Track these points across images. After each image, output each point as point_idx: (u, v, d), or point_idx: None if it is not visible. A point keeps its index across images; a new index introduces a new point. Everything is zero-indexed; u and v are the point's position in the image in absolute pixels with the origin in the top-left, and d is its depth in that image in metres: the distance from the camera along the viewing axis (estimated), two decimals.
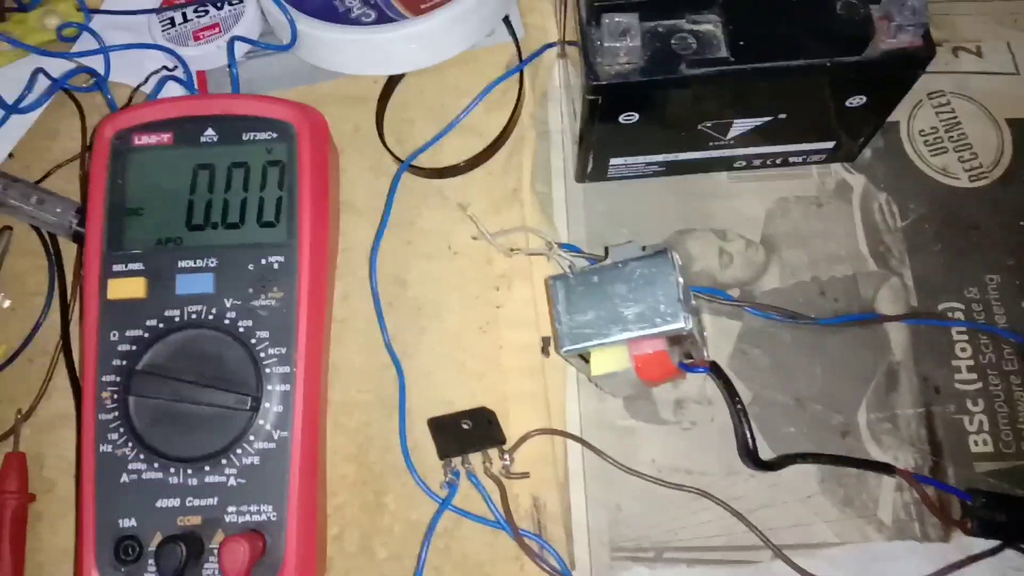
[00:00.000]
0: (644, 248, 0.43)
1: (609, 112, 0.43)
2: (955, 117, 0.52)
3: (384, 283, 0.48)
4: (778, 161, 0.50)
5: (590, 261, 0.46)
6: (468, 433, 0.44)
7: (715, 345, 0.48)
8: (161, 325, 0.41)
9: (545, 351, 0.47)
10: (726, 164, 0.50)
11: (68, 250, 0.50)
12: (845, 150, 0.50)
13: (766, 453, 0.46)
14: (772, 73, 0.41)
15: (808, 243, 0.50)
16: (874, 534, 0.44)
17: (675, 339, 0.41)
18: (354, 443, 0.45)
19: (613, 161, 0.48)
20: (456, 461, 0.44)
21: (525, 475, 0.44)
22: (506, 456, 0.44)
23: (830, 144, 0.49)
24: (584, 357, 0.42)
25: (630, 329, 0.40)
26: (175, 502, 0.40)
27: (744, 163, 0.50)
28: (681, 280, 0.40)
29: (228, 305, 0.42)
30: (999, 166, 0.51)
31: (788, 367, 0.47)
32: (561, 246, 0.47)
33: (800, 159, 0.50)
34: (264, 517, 0.40)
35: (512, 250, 0.48)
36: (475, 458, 0.44)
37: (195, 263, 0.42)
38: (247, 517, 0.40)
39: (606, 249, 0.44)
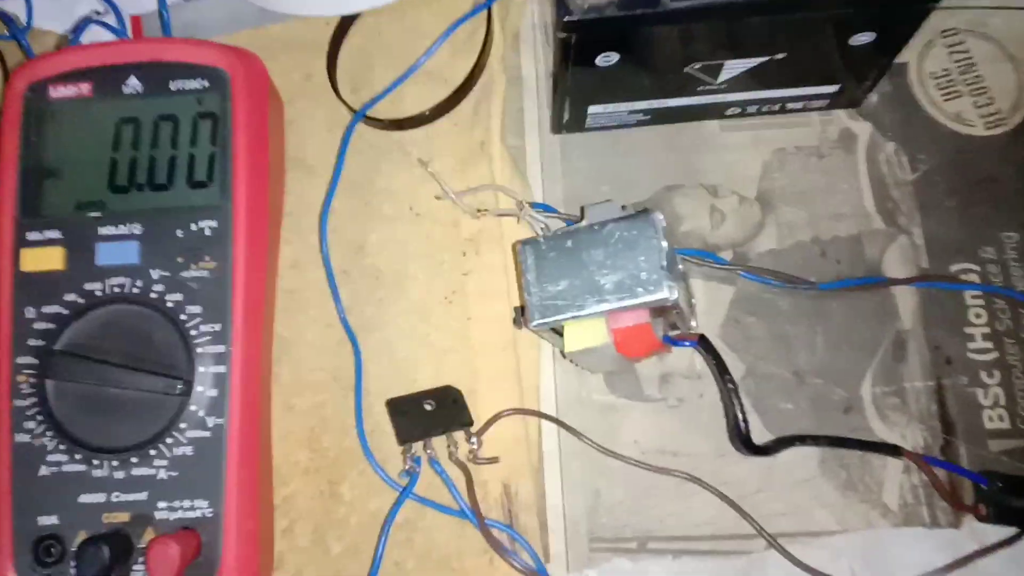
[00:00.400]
0: (624, 208, 0.38)
1: (584, 53, 0.38)
2: (970, 58, 0.47)
3: (338, 249, 0.43)
4: (775, 108, 0.45)
5: (566, 223, 0.42)
6: (431, 415, 0.40)
7: (705, 314, 0.43)
8: (81, 300, 0.37)
9: (517, 323, 0.43)
10: (718, 111, 0.45)
11: None
12: (849, 95, 0.45)
13: (760, 433, 0.41)
14: (768, 7, 0.36)
15: (808, 199, 0.45)
16: (879, 520, 0.40)
17: (659, 310, 0.37)
18: (306, 427, 0.41)
19: (592, 109, 0.43)
20: (417, 446, 0.40)
21: (494, 460, 0.40)
22: (473, 439, 0.40)
23: (833, 88, 0.44)
24: (558, 331, 0.38)
25: (608, 300, 0.36)
26: (100, 497, 0.36)
27: (738, 110, 0.45)
28: (665, 244, 0.36)
29: (155, 277, 0.37)
30: (1018, 112, 0.46)
31: (786, 337, 0.43)
32: (533, 206, 0.42)
33: (799, 105, 0.45)
34: (198, 513, 0.36)
35: (480, 211, 0.43)
36: (439, 442, 0.40)
37: (118, 229, 0.38)
38: (180, 514, 0.36)
39: (582, 209, 0.39)
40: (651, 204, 0.45)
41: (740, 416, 0.37)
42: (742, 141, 0.46)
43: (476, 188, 0.43)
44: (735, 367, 0.42)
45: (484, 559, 0.40)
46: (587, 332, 0.36)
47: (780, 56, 0.40)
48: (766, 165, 0.45)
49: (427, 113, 0.45)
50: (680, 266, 0.38)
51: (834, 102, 0.45)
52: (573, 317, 0.36)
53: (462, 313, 0.43)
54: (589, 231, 0.37)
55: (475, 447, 0.40)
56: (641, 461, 0.41)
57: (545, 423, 0.42)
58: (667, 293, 0.35)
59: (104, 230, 0.37)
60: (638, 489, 0.41)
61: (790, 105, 0.45)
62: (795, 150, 0.46)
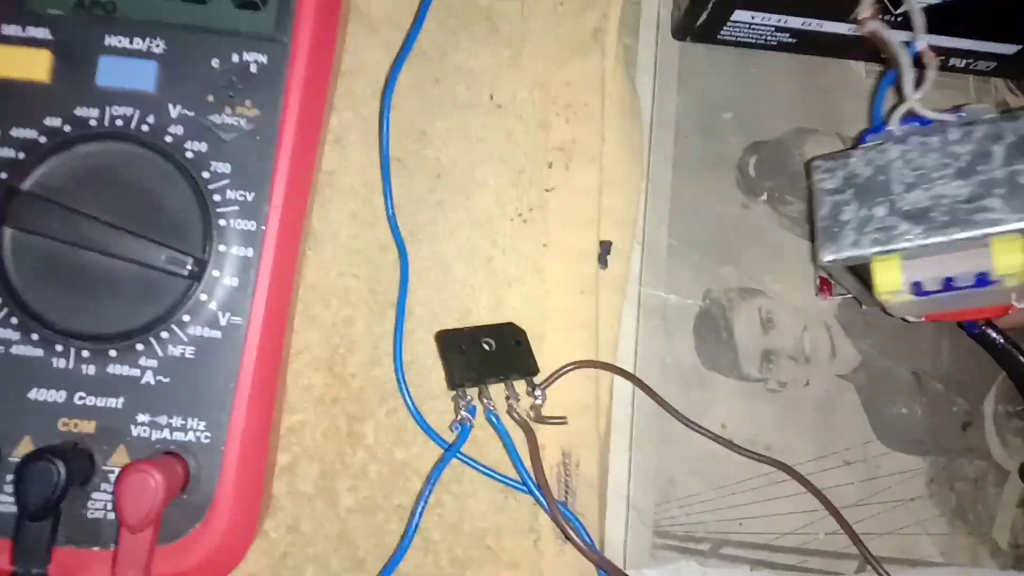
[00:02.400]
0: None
1: None
2: None
3: (395, 132, 0.34)
4: None
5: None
6: (490, 356, 0.32)
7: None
8: (68, 128, 0.27)
9: (603, 260, 0.35)
10: (872, 51, 0.37)
11: None
12: (1020, 63, 0.38)
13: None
14: None
15: None
16: (986, 558, 0.34)
17: None
18: (328, 344, 0.32)
19: (737, 15, 0.35)
20: (472, 393, 0.31)
21: (562, 420, 0.32)
22: (538, 392, 0.32)
23: (1011, 49, 0.37)
24: (858, 271, 0.31)
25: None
26: (59, 396, 0.26)
27: None
28: None
29: (174, 115, 0.27)
30: None
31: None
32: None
33: (962, 63, 0.38)
34: (190, 436, 0.27)
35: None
36: (495, 390, 0.32)
37: (132, 43, 0.28)
38: (165, 433, 0.27)
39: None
40: (778, 144, 0.37)
41: None
42: (889, 92, 0.38)
43: None
44: (848, 356, 0.35)
45: (528, 540, 0.32)
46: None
47: None
48: None
49: None
50: None
51: (1001, 67, 0.38)
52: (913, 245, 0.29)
53: (537, 237, 0.34)
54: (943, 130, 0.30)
55: (540, 402, 0.32)
56: (730, 441, 0.34)
57: (619, 388, 0.34)
58: None
59: (112, 40, 0.28)
60: (719, 482, 0.34)
61: (953, 61, 0.38)
62: None
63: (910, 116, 0.32)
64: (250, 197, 0.27)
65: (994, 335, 0.34)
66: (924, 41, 0.32)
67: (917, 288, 0.30)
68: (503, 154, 0.35)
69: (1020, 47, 0.36)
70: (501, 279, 0.34)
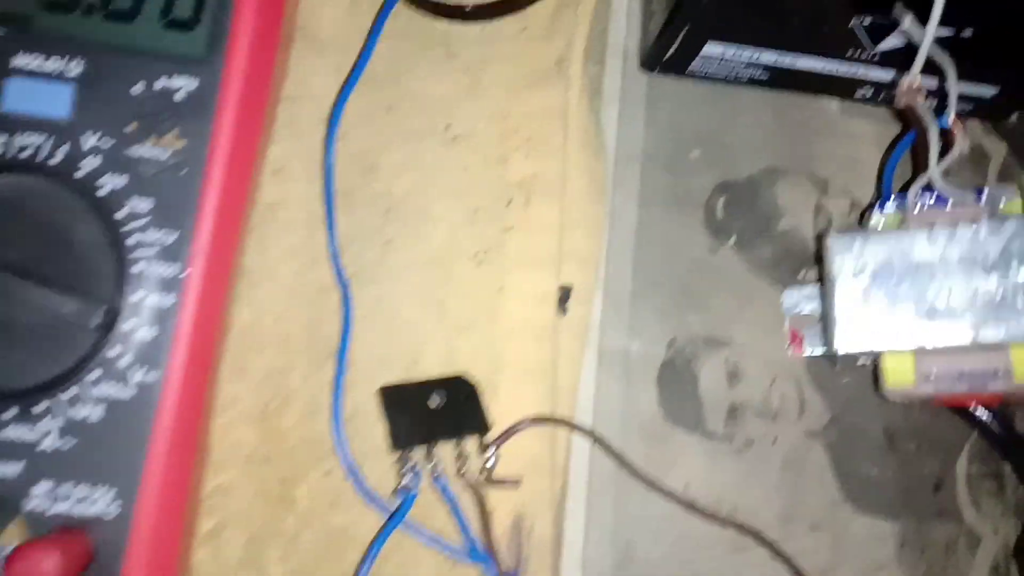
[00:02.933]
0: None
1: None
2: None
3: (342, 163, 0.32)
4: None
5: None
6: (438, 414, 0.29)
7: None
8: None
9: (563, 306, 0.32)
10: (848, 88, 0.35)
11: None
12: (1001, 104, 0.36)
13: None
14: None
15: None
16: None
17: None
18: (260, 397, 0.30)
19: (709, 49, 0.33)
20: (418, 454, 0.29)
21: (516, 483, 0.30)
22: (490, 451, 0.30)
23: (991, 91, 0.35)
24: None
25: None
26: None
27: (871, 91, 0.36)
28: None
29: (89, 146, 0.25)
30: None
31: None
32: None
33: (939, 104, 0.36)
34: (97, 508, 0.24)
35: None
36: (444, 450, 0.29)
37: (46, 63, 0.25)
38: (67, 506, 0.24)
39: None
40: (748, 184, 0.35)
41: None
42: (864, 132, 0.37)
43: None
44: (817, 411, 0.34)
45: None
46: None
47: (968, 33, 0.31)
48: None
49: (491, 5, 0.33)
50: None
51: (978, 110, 0.37)
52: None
53: (494, 280, 0.32)
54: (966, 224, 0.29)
55: (491, 463, 0.30)
56: (694, 504, 0.31)
57: (576, 444, 0.32)
58: None
59: (22, 59, 0.25)
60: (681, 546, 0.32)
61: (929, 102, 0.36)
62: None
63: (927, 188, 0.31)
64: (171, 239, 0.25)
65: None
66: (953, 113, 0.31)
67: (926, 381, 0.29)
68: (459, 189, 0.32)
69: (997, 90, 0.35)
70: (453, 325, 0.31)
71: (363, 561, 0.27)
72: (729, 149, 0.35)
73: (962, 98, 0.36)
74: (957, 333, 0.29)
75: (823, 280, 0.32)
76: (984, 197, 0.31)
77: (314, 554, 0.29)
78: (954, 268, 0.29)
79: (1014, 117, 0.38)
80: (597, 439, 0.31)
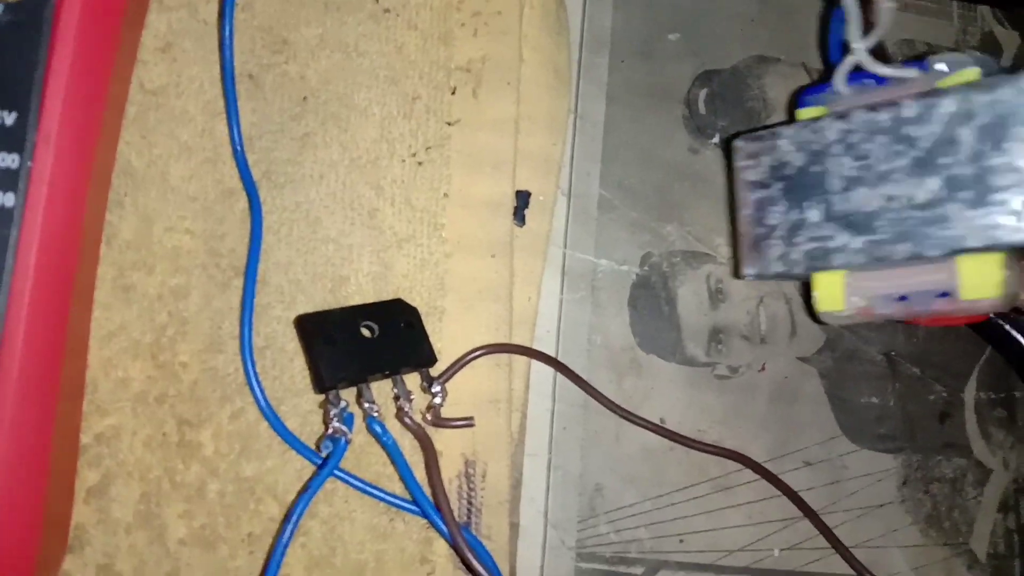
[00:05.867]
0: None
1: None
2: None
3: (246, 40, 0.26)
4: None
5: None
6: (371, 345, 0.24)
7: None
8: None
9: (519, 214, 0.27)
10: None
11: None
12: None
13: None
14: None
15: None
16: (962, 571, 0.29)
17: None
18: (151, 324, 0.24)
19: None
20: (348, 395, 0.24)
21: (468, 422, 0.25)
22: (436, 387, 0.25)
23: None
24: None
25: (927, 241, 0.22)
26: None
27: None
28: None
29: None
30: None
31: None
32: None
33: None
34: None
35: None
36: (380, 389, 0.24)
37: None
38: None
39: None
40: (732, 75, 0.30)
41: None
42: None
43: None
44: (810, 334, 0.29)
45: (419, 572, 0.25)
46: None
47: None
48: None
49: None
50: None
51: None
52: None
53: (436, 184, 0.27)
54: (893, 110, 0.22)
55: (438, 400, 0.25)
56: (676, 434, 0.27)
57: (537, 376, 0.27)
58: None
59: None
60: (656, 490, 0.28)
61: None
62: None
63: (859, 71, 0.25)
64: (9, 120, 0.19)
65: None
66: None
67: (860, 307, 0.24)
68: (392, 74, 0.27)
69: None
70: (388, 238, 0.26)
71: (286, 518, 0.23)
72: (712, 34, 0.30)
73: None
74: (880, 248, 0.24)
75: (730, 192, 0.27)
76: (930, 70, 0.24)
77: (223, 509, 0.24)
78: (876, 167, 0.24)
79: None
80: (560, 366, 0.27)
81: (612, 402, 0.27)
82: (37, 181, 0.19)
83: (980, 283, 0.23)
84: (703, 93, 0.30)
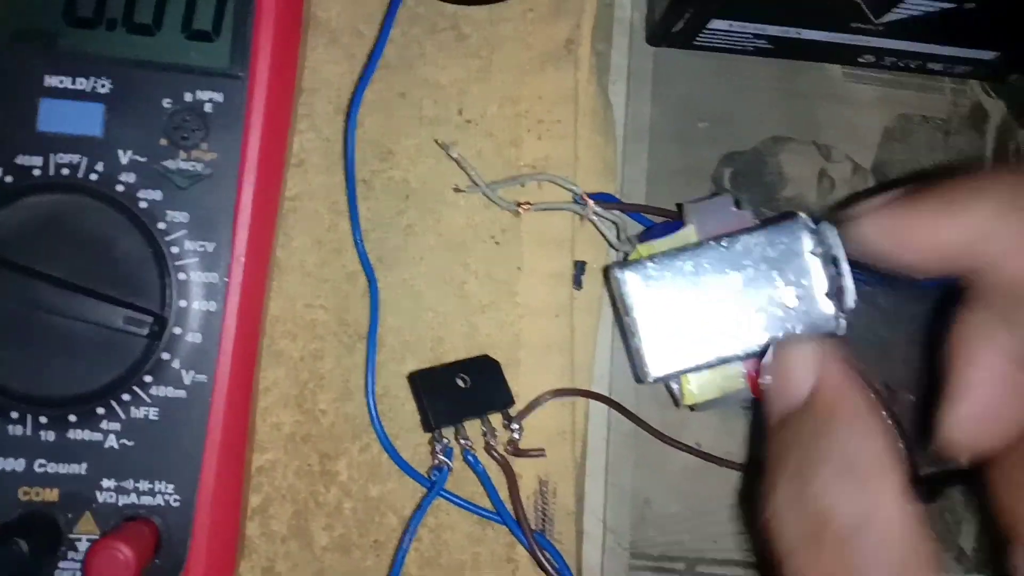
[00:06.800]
0: (738, 205, 0.29)
1: None
2: None
3: (360, 152, 0.33)
4: (912, 65, 0.37)
5: (636, 218, 0.33)
6: (465, 393, 0.31)
7: None
8: (9, 180, 0.25)
9: (577, 281, 0.34)
10: (850, 56, 0.36)
11: None
12: (999, 66, 0.37)
13: None
14: None
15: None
16: (951, 564, 0.35)
17: None
18: (296, 380, 0.31)
19: (715, 23, 0.33)
20: (449, 433, 0.31)
21: (540, 452, 0.32)
22: (514, 425, 0.32)
23: (990, 55, 0.36)
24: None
25: (748, 340, 0.27)
26: (17, 465, 0.25)
27: (872, 58, 0.36)
28: (840, 259, 0.27)
29: (124, 162, 0.26)
30: None
31: (882, 341, 0.36)
32: (594, 197, 0.32)
33: (940, 67, 0.37)
34: (159, 500, 0.26)
35: (521, 205, 0.32)
36: (472, 426, 0.31)
37: (74, 83, 0.26)
38: (132, 498, 0.26)
39: (679, 207, 0.31)
40: (753, 155, 0.36)
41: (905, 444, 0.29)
42: (867, 97, 0.38)
43: (518, 177, 0.33)
44: None
45: (506, 571, 0.32)
46: (716, 379, 0.28)
47: (972, 3, 0.32)
48: (888, 132, 0.38)
49: None
50: (848, 280, 0.28)
51: (977, 71, 0.38)
52: (706, 366, 0.27)
53: (511, 260, 0.33)
54: (713, 249, 0.27)
55: (517, 436, 0.32)
56: (708, 454, 0.34)
57: (594, 412, 0.34)
58: (833, 327, 0.27)
59: (53, 79, 0.26)
60: (694, 501, 0.34)
61: (931, 65, 0.37)
62: (922, 120, 0.38)
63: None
64: (211, 247, 0.26)
65: None
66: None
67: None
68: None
69: (997, 53, 0.36)
70: (474, 305, 0.33)
71: (405, 532, 0.30)
72: (735, 120, 0.36)
73: (963, 60, 0.37)
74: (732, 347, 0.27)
75: (616, 311, 0.32)
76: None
77: (355, 522, 0.31)
78: (708, 288, 0.27)
79: (1012, 76, 0.39)
80: (613, 404, 0.33)
81: (656, 430, 0.34)
82: (232, 291, 0.26)
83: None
84: (728, 171, 0.36)
